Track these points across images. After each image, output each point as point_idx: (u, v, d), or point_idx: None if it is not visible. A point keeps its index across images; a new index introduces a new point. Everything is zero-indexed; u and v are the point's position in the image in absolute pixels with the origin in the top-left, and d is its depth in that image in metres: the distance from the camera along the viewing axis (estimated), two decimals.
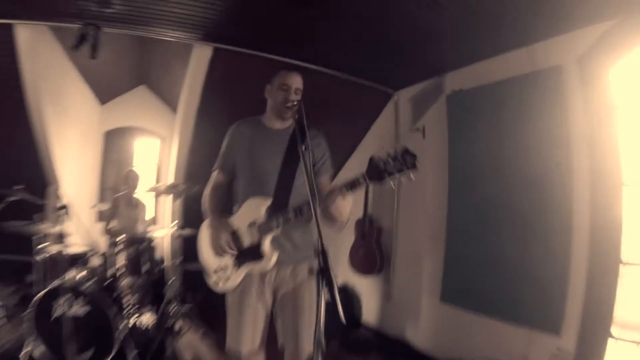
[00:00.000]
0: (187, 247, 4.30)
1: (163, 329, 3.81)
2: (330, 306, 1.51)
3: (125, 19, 3.47)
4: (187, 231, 4.18)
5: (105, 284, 3.57)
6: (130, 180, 4.94)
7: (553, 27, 3.07)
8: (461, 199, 3.98)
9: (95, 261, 3.83)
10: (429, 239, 4.32)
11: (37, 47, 3.83)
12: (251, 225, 2.19)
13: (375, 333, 4.81)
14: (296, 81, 2.29)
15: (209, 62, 4.17)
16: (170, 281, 4.10)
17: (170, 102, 7.09)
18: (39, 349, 3.09)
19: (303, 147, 1.89)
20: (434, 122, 4.33)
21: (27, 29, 3.55)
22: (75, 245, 3.88)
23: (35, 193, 3.59)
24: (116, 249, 3.78)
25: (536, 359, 3.13)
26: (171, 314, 3.94)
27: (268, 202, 2.20)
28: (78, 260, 3.75)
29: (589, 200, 2.97)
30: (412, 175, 1.89)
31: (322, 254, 1.57)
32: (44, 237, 3.48)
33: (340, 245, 5.06)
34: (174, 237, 4.24)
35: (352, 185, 1.99)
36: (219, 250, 2.21)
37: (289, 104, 2.18)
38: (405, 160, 1.88)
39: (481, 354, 3.50)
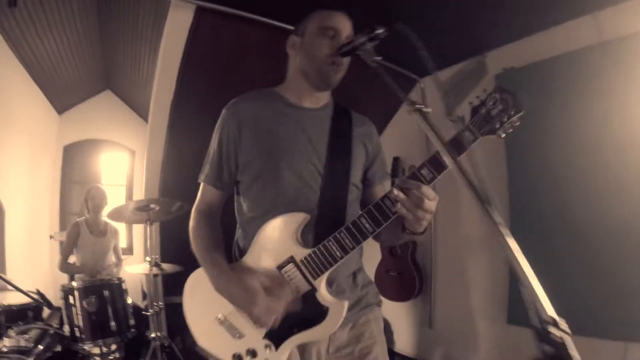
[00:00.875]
0: (168, 276, 3.35)
1: None
2: None
3: None
4: (167, 267, 3.16)
5: (62, 347, 2.53)
6: (95, 199, 3.84)
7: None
8: (524, 198, 3.24)
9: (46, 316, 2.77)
10: (479, 252, 3.56)
11: None
12: (288, 265, 1.26)
13: None
14: (347, 26, 1.39)
15: (190, 29, 3.05)
16: (154, 338, 2.99)
17: (139, 109, 6.13)
18: None
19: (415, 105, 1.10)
20: None
21: None
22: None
23: None
24: (71, 300, 2.70)
25: None
26: None
27: (306, 220, 1.30)
28: (25, 312, 2.71)
29: None
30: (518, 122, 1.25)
31: None
32: None
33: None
34: (151, 278, 3.17)
35: (461, 145, 1.20)
36: (264, 322, 1.26)
37: (349, 47, 1.26)
38: (507, 101, 1.22)
39: None
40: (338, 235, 1.22)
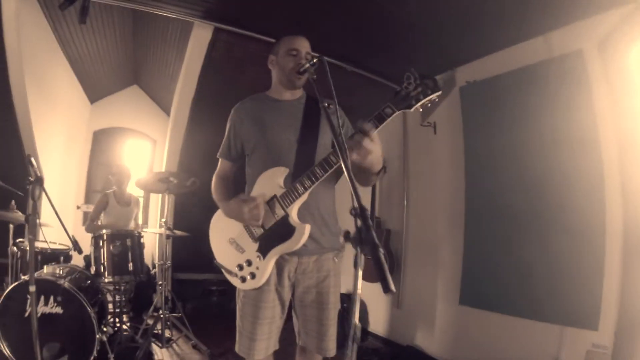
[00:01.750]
0: (177, 255, 3.94)
1: (150, 336, 3.39)
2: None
3: None
4: (178, 232, 3.83)
5: (88, 282, 3.17)
6: (121, 175, 4.52)
7: (571, 14, 3.00)
8: (480, 194, 3.69)
9: (77, 258, 3.43)
10: (443, 240, 4.02)
11: (23, 20, 3.49)
12: (272, 200, 1.87)
13: (385, 342, 4.44)
14: (305, 45, 2.03)
15: (209, 44, 3.85)
16: (159, 285, 3.66)
17: (162, 103, 6.86)
18: (6, 349, 2.68)
19: (326, 104, 1.68)
20: (446, 117, 4.08)
21: None
22: (55, 242, 3.49)
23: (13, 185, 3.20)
24: (100, 243, 3.37)
25: (569, 357, 2.89)
26: (159, 320, 3.52)
27: (286, 171, 1.89)
28: (58, 256, 3.38)
29: (620, 186, 2.80)
30: (436, 98, 1.72)
31: (362, 213, 1.28)
32: (20, 228, 3.09)
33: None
34: (163, 238, 3.82)
35: (380, 118, 1.69)
36: (253, 222, 1.86)
37: (302, 69, 1.90)
38: (427, 84, 1.70)
39: (506, 355, 3.23)
40: (309, 171, 1.79)
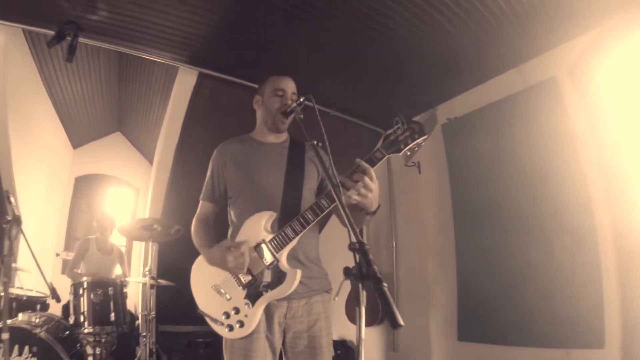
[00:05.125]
0: (161, 306, 3.76)
1: None
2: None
3: (109, 30, 3.18)
4: (163, 282, 3.65)
5: (66, 333, 2.98)
6: (105, 222, 4.38)
7: (541, 45, 3.22)
8: (470, 228, 3.71)
9: (55, 307, 3.23)
10: (435, 278, 4.01)
11: (10, 56, 3.46)
12: (259, 246, 1.77)
13: None
14: (291, 85, 2.01)
15: (193, 89, 3.87)
16: (143, 337, 3.44)
17: (145, 151, 6.81)
18: None
19: (316, 142, 1.70)
20: (429, 155, 4.12)
21: (1, 32, 3.19)
22: (31, 289, 3.30)
23: None
24: (81, 291, 3.18)
25: None
26: None
27: (273, 216, 1.83)
28: (34, 304, 3.18)
29: (606, 202, 2.89)
30: (423, 142, 1.77)
31: (361, 247, 1.22)
32: None
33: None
34: (147, 288, 3.61)
35: (371, 162, 1.66)
36: (238, 271, 1.78)
37: (288, 109, 1.90)
38: (414, 128, 1.75)
39: None
40: (300, 216, 1.74)
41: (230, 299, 1.80)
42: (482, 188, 3.60)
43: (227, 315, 1.79)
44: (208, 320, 1.85)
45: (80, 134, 6.24)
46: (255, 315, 1.76)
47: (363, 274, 1.19)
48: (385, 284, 1.12)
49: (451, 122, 3.87)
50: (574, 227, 2.98)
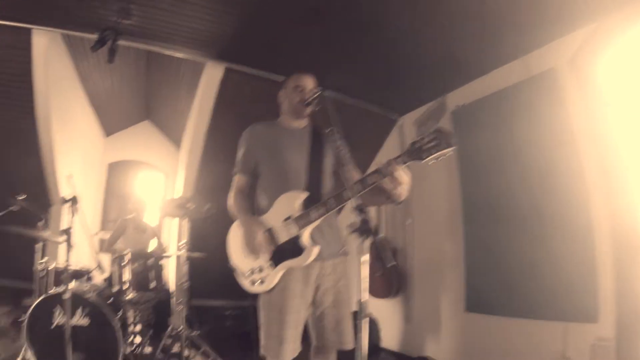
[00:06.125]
0: (194, 280, 4.10)
1: (169, 352, 3.52)
2: None
3: (141, 32, 3.50)
4: (196, 254, 3.99)
5: (111, 299, 3.35)
6: (139, 203, 4.76)
7: (542, 37, 3.34)
8: (476, 206, 3.93)
9: (100, 277, 3.60)
10: (446, 252, 4.22)
11: (51, 57, 3.80)
12: (287, 220, 2.07)
13: (398, 356, 4.53)
14: (310, 82, 2.31)
15: (220, 83, 4.18)
16: (178, 303, 3.80)
17: (173, 137, 7.15)
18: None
19: (331, 131, 1.96)
20: None
21: (43, 36, 3.52)
22: (78, 262, 3.67)
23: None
24: (122, 263, 3.54)
25: (575, 353, 2.99)
26: (178, 338, 3.64)
27: (303, 195, 2.10)
28: (82, 275, 3.56)
29: (604, 191, 3.01)
30: (450, 153, 1.85)
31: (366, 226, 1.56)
32: (45, 249, 3.28)
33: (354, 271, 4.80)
34: (181, 261, 3.97)
35: (408, 157, 1.88)
36: (255, 250, 2.07)
37: (307, 102, 2.20)
38: (441, 139, 1.83)
39: (514, 357, 3.34)
40: (325, 201, 2.00)
41: (257, 258, 2.09)
42: (489, 164, 3.80)
43: (252, 272, 2.09)
44: (236, 273, 2.16)
45: (111, 123, 6.64)
46: (275, 276, 2.05)
47: (364, 228, 1.55)
48: (381, 235, 1.43)
49: (460, 109, 4.09)
50: (571, 218, 3.12)
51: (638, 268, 2.79)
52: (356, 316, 1.60)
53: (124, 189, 6.77)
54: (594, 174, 3.06)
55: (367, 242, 1.54)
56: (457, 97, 4.21)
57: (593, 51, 3.14)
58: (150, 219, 4.80)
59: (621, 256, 2.88)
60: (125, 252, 3.58)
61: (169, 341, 3.73)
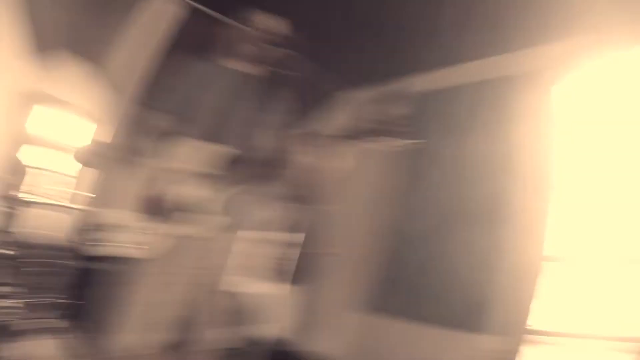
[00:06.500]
0: None
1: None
2: None
3: None
4: None
5: None
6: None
7: (505, 44, 3.34)
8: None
9: None
10: (350, 248, 4.25)
11: None
12: (197, 176, 1.70)
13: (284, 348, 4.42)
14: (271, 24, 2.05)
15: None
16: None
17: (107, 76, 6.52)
18: None
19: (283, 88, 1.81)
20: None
21: None
22: None
23: None
24: None
25: None
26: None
27: (224, 150, 1.74)
28: None
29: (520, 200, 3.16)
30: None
31: None
32: None
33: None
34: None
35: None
36: (151, 210, 1.66)
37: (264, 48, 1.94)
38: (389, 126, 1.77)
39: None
40: (241, 168, 1.81)
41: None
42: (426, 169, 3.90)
43: (142, 231, 1.81)
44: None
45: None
46: (168, 239, 1.78)
47: None
48: None
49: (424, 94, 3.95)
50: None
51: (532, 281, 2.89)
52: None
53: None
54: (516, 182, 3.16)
55: None
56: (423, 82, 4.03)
57: (552, 70, 3.18)
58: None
59: (518, 267, 2.96)
60: None
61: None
